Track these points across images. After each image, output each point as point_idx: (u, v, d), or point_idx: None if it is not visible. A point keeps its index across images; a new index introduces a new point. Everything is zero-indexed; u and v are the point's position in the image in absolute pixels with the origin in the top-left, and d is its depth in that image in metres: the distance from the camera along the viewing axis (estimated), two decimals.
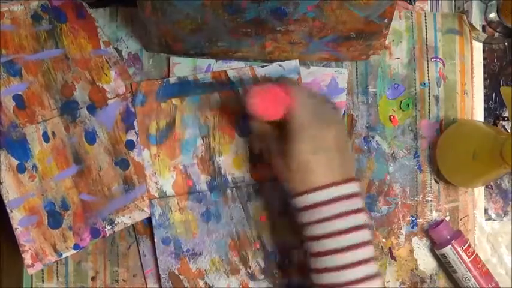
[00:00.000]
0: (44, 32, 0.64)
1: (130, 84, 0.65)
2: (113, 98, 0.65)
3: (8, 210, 0.61)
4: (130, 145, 0.64)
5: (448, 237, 0.65)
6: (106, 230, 0.63)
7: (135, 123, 0.65)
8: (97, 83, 0.64)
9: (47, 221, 0.62)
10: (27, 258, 0.61)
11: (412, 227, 0.68)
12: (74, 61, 0.64)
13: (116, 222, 0.64)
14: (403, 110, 0.68)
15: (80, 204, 0.63)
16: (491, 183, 0.69)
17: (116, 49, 0.66)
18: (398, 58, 0.68)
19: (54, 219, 0.62)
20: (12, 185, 0.62)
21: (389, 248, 0.67)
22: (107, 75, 0.65)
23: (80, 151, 0.63)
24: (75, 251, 0.63)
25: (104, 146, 0.64)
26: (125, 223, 0.64)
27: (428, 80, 0.68)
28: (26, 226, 0.62)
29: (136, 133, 0.65)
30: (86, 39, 0.64)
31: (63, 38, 0.64)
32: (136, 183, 0.64)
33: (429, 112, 0.68)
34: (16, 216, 0.61)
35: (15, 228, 0.61)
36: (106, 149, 0.64)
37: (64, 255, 0.63)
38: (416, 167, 0.68)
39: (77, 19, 0.64)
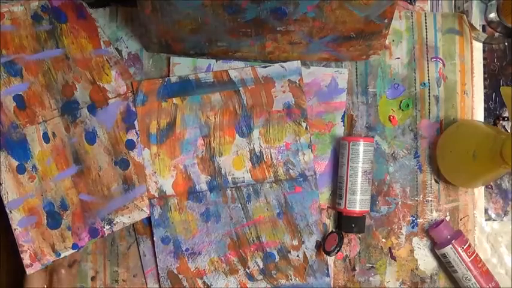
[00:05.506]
0: (44, 32, 0.64)
1: (131, 83, 0.65)
2: (114, 97, 0.65)
3: (8, 211, 0.61)
4: (130, 145, 0.64)
5: (448, 237, 0.65)
6: (105, 229, 0.63)
7: (136, 122, 0.65)
8: (98, 83, 0.64)
9: (46, 222, 0.62)
10: (26, 258, 0.61)
11: (412, 227, 0.68)
12: (74, 61, 0.64)
13: (114, 222, 0.63)
14: (402, 110, 0.68)
15: (79, 205, 0.63)
16: (491, 183, 0.69)
17: (116, 49, 0.66)
18: (398, 58, 0.68)
19: (53, 219, 0.62)
20: (11, 186, 0.62)
21: (389, 248, 0.67)
22: (107, 75, 0.65)
23: (80, 151, 0.64)
24: (73, 251, 0.63)
25: (104, 146, 0.64)
26: (124, 223, 0.64)
27: (428, 80, 0.68)
28: (25, 226, 0.62)
29: (137, 133, 0.65)
30: (87, 39, 0.65)
31: (63, 38, 0.64)
32: (136, 183, 0.64)
33: (429, 112, 0.68)
34: (15, 217, 0.61)
35: (15, 229, 0.61)
36: (106, 149, 0.64)
37: (62, 255, 0.63)
38: (416, 167, 0.68)
39: (77, 19, 0.64)
